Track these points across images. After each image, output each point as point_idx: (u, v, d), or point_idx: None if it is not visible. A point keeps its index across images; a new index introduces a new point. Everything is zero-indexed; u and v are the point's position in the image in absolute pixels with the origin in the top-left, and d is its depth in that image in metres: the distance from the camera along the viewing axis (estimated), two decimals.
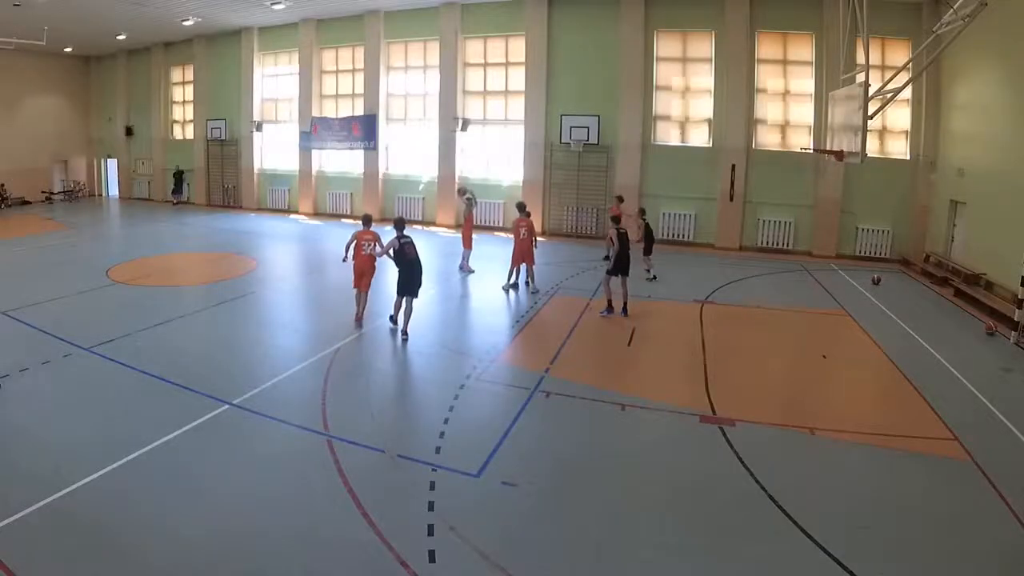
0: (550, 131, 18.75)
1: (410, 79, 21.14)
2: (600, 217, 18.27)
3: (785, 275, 14.51)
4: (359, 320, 9.69)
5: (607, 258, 10.60)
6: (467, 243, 13.88)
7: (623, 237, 10.41)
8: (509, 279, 12.29)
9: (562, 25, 18.49)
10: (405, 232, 9.33)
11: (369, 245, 9.60)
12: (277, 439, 6.20)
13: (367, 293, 9.79)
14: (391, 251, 9.24)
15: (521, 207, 12.73)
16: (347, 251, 9.74)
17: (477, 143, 20.32)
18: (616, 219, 10.90)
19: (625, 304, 10.52)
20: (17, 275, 12.92)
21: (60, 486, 5.08)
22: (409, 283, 9.17)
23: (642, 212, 14.01)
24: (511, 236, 12.62)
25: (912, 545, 4.71)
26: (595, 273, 13.48)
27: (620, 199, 14.69)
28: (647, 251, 13.49)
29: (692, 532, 4.85)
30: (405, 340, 9.06)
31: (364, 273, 9.69)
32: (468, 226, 13.95)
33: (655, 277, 13.23)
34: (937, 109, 15.48)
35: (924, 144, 15.83)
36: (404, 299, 9.21)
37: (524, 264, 12.19)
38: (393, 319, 9.56)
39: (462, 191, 14.84)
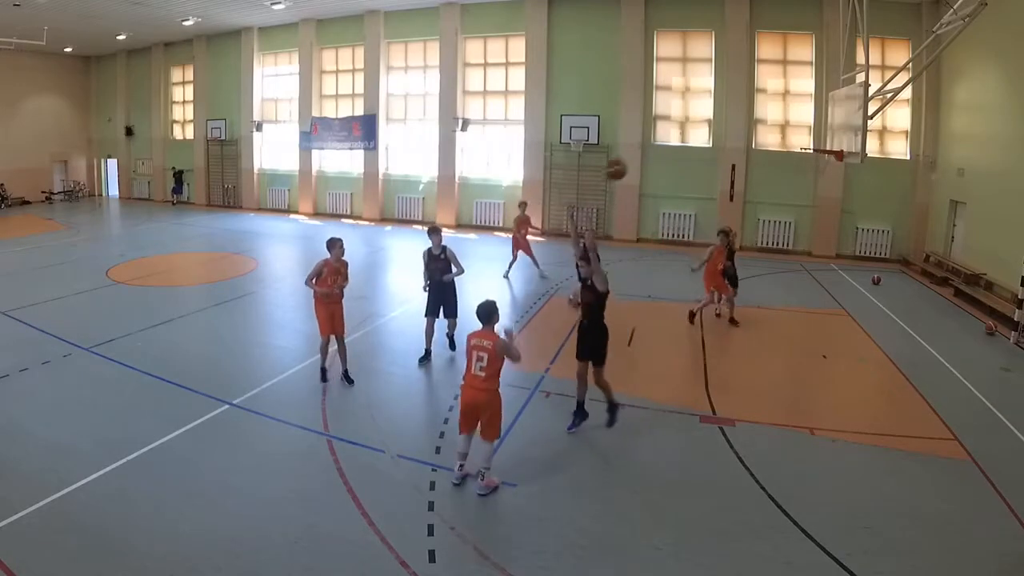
0: (550, 131, 18.74)
1: (410, 79, 21.12)
2: (599, 217, 18.30)
3: (785, 275, 14.50)
4: None
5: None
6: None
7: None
8: (539, 268, 13.32)
9: (562, 25, 18.47)
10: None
11: None
12: (277, 439, 6.20)
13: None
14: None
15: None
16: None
17: (477, 143, 20.31)
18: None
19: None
20: (17, 275, 12.90)
21: (60, 486, 5.08)
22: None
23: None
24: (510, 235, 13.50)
25: (912, 545, 4.70)
26: None
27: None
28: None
29: (692, 532, 4.84)
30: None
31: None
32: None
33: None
34: (937, 109, 15.48)
35: (924, 144, 15.82)
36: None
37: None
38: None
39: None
